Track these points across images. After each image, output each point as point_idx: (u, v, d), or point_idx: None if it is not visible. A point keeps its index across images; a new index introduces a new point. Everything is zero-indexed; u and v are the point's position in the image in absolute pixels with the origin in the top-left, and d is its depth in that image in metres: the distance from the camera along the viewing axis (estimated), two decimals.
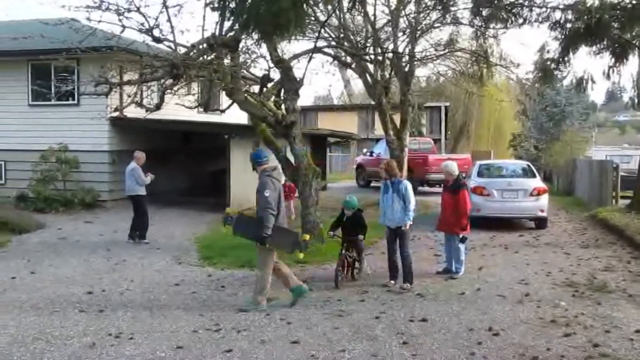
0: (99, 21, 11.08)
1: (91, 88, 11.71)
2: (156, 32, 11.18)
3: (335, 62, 20.35)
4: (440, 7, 15.08)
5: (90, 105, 15.83)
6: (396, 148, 19.40)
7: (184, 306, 8.20)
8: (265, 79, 13.17)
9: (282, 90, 13.00)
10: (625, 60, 14.52)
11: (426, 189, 23.55)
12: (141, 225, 13.04)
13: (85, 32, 11.28)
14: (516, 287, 9.16)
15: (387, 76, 19.56)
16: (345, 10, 17.88)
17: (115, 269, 10.51)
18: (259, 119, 12.70)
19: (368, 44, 19.07)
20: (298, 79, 12.60)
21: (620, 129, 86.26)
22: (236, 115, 18.55)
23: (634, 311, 7.91)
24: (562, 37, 8.91)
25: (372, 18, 18.43)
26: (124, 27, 11.06)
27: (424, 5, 17.82)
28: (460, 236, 9.96)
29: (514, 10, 9.00)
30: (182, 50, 11.38)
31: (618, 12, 8.30)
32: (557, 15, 8.83)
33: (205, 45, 11.22)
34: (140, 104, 12.49)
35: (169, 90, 12.42)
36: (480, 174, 16.13)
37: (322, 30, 15.91)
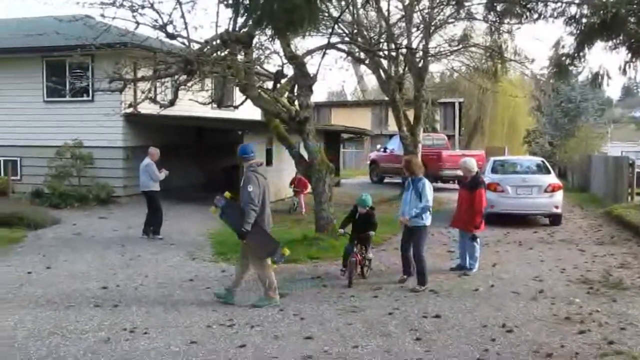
0: (113, 18, 11.16)
1: (105, 84, 11.79)
2: (170, 29, 11.22)
3: (349, 57, 20.37)
4: (454, 2, 15.00)
5: (105, 102, 15.89)
6: (410, 144, 19.39)
7: (197, 301, 8.24)
8: (279, 74, 13.15)
9: (296, 86, 13.00)
10: None
11: (440, 184, 23.43)
12: (155, 221, 13.10)
13: (100, 28, 11.31)
14: (530, 284, 9.12)
15: (401, 72, 19.55)
16: (359, 5, 17.89)
17: (130, 265, 10.58)
18: (272, 115, 12.71)
19: (382, 40, 19.01)
20: (311, 75, 12.59)
21: (636, 125, 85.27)
22: (250, 111, 18.62)
23: None
24: (578, 32, 8.81)
25: (385, 13, 18.41)
26: (138, 23, 11.12)
27: (438, 1, 17.74)
28: (471, 234, 9.91)
29: (528, 6, 8.91)
30: (196, 46, 11.39)
31: (635, 6, 8.19)
32: (573, 10, 8.76)
33: (218, 41, 11.21)
34: (154, 100, 12.55)
35: (182, 87, 12.48)
36: (494, 170, 16.04)
37: (336, 26, 15.86)
